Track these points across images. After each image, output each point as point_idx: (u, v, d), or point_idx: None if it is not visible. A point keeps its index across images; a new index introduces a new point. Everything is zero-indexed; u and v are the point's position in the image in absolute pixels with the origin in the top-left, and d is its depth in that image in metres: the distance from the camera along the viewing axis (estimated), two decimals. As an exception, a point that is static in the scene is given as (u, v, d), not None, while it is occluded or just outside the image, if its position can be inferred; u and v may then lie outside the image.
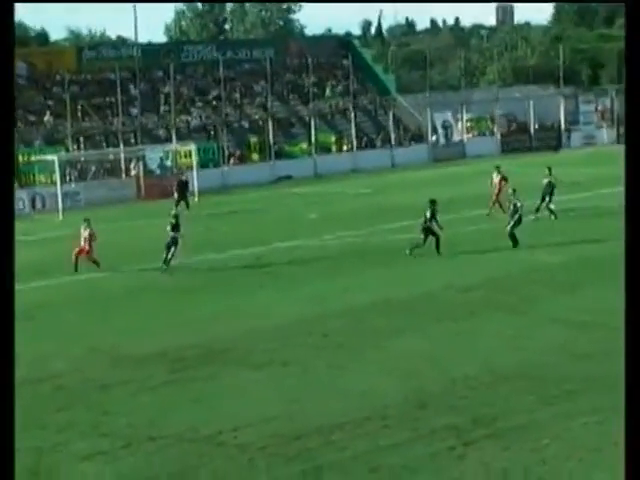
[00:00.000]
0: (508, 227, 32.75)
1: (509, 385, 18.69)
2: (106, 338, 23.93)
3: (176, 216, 32.80)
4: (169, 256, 31.93)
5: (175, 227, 32.26)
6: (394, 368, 20.23)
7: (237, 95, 70.20)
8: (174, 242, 31.95)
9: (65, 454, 16.32)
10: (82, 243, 32.67)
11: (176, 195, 48.44)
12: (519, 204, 32.82)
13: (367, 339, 22.61)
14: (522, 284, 27.52)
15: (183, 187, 48.88)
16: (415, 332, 23.01)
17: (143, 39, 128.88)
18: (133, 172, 58.25)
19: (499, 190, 39.46)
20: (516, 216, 32.63)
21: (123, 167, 58.51)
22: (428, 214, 31.88)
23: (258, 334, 23.51)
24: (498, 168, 40.73)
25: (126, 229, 43.68)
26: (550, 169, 39.40)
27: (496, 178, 40.11)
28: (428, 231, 31.82)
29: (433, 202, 32.24)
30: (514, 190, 33.66)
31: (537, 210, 38.61)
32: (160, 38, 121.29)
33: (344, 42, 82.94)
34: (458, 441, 15.88)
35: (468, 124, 75.20)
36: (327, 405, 18.01)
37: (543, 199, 38.82)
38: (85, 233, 32.87)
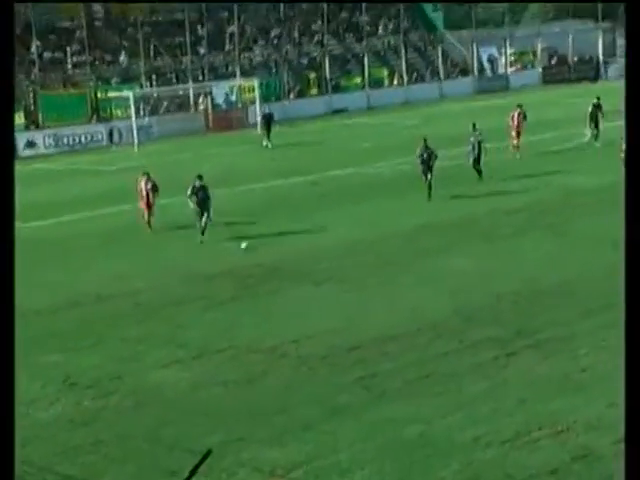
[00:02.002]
0: (470, 161, 31.72)
1: (550, 300, 18.56)
2: (179, 258, 24.07)
3: (202, 188, 25.83)
4: (203, 224, 25.64)
5: (200, 199, 25.61)
6: (443, 284, 20.17)
7: (296, 34, 69.55)
8: (204, 210, 25.66)
9: (145, 362, 16.53)
10: (144, 198, 27.45)
11: (261, 129, 47.44)
12: (479, 138, 31.81)
13: (418, 258, 22.55)
14: (563, 207, 27.20)
15: (269, 120, 47.93)
16: (463, 251, 22.89)
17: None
18: (201, 106, 58.16)
19: None
20: (475, 151, 31.68)
21: (192, 102, 58.44)
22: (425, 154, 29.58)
23: (317, 254, 23.53)
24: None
25: (198, 158, 43.74)
26: (599, 98, 37.79)
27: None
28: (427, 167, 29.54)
29: (425, 140, 30.01)
30: (474, 125, 32.58)
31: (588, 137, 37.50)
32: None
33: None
34: (502, 351, 15.84)
35: (512, 58, 74.05)
36: (381, 319, 18.03)
37: (592, 124, 37.45)
38: (145, 186, 27.39)
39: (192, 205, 25.78)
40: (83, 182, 38.99)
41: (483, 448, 12.37)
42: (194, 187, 25.77)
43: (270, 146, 45.68)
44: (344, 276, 21.30)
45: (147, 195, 27.26)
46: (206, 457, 7.85)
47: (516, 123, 37.39)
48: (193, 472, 7.83)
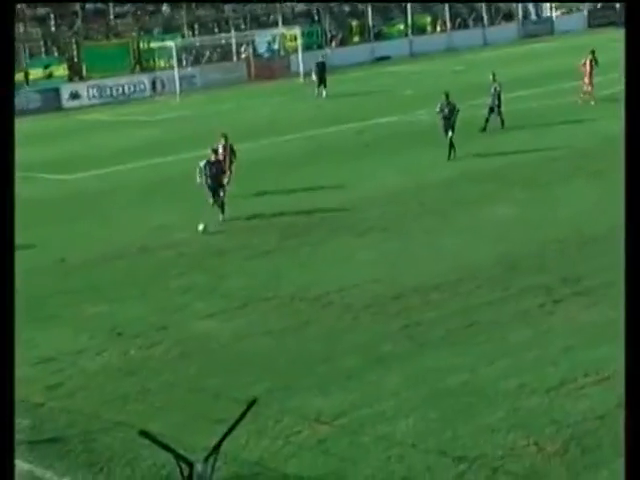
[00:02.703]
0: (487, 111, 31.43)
1: (596, 246, 18.37)
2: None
3: (216, 162, 23.00)
4: (219, 198, 22.65)
5: (212, 175, 22.55)
6: (486, 232, 20.04)
7: (338, -20, 68.96)
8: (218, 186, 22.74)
9: (190, 313, 16.62)
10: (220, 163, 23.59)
11: (315, 77, 46.51)
12: (498, 88, 31.48)
13: (460, 206, 22.38)
14: (604, 152, 26.84)
15: (322, 69, 46.42)
16: (505, 198, 22.70)
17: None
18: (243, 55, 58.09)
19: None
20: (496, 101, 31.43)
21: (234, 51, 58.34)
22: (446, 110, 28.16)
23: (360, 202, 23.43)
24: None
25: (241, 108, 43.66)
26: None
27: None
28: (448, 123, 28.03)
29: (447, 95, 28.64)
30: (494, 74, 32.07)
31: None
32: None
33: None
34: (548, 298, 15.73)
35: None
36: (424, 267, 17.96)
37: None
38: (223, 151, 24.22)
39: (202, 182, 22.68)
40: (127, 133, 39.09)
41: (528, 395, 12.33)
42: (208, 162, 22.67)
43: (322, 95, 44.74)
44: (387, 225, 21.23)
45: (224, 160, 23.99)
46: (251, 406, 7.91)
47: (588, 69, 36.17)
48: (239, 420, 7.90)
